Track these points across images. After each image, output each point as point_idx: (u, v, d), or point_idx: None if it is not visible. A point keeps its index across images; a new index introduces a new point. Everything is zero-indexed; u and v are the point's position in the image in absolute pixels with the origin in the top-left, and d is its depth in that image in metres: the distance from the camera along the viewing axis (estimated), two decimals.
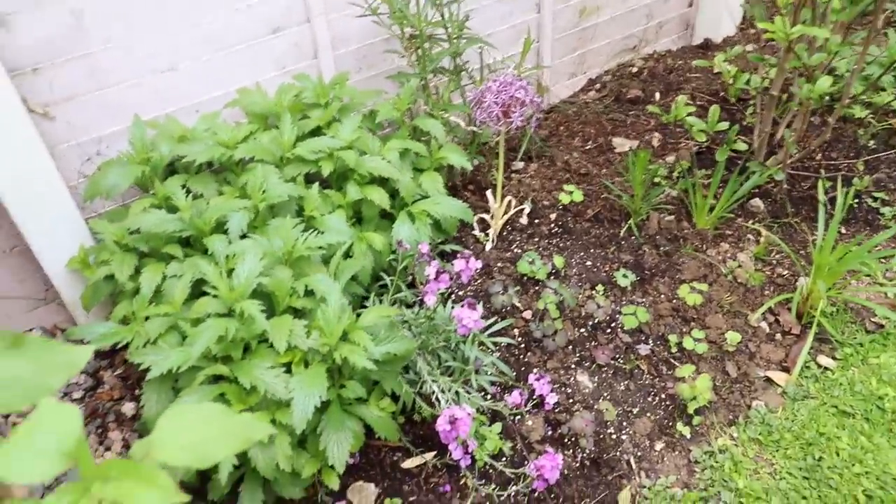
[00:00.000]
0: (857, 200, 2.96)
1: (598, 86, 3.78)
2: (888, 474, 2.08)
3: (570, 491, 2.07)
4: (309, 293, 2.04)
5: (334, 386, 1.94)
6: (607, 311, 2.47)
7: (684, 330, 2.46)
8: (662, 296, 2.56)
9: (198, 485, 2.00)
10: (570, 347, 2.40)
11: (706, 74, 3.74)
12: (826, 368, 2.40)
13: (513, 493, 2.04)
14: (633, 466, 2.14)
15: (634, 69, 3.84)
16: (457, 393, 2.11)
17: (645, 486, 2.09)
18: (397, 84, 2.81)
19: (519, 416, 2.21)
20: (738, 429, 2.23)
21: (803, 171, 3.09)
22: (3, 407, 0.70)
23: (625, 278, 2.57)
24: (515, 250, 2.70)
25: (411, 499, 2.07)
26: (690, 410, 2.23)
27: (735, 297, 2.57)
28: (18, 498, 0.81)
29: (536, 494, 2.05)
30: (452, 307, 2.22)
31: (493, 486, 2.05)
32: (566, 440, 2.17)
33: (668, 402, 2.29)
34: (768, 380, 2.36)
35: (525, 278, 2.57)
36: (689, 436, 2.21)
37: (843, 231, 2.85)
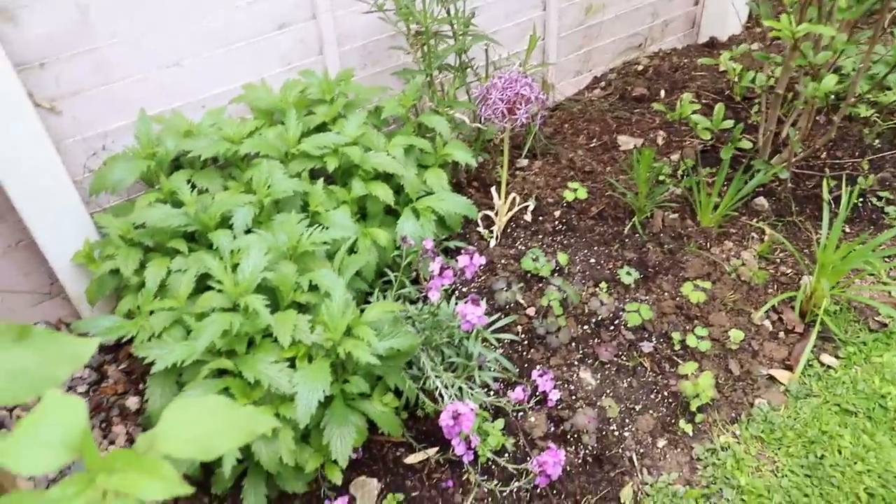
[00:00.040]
0: (861, 199, 2.96)
1: (603, 84, 3.78)
2: (890, 472, 2.08)
3: (573, 487, 2.07)
4: (313, 288, 2.05)
5: (338, 381, 1.95)
6: (611, 308, 2.47)
7: (687, 327, 2.46)
8: (666, 293, 2.56)
9: (201, 478, 2.00)
10: (574, 344, 2.40)
11: (711, 73, 3.74)
12: (829, 367, 2.40)
13: (515, 489, 2.05)
14: (636, 463, 2.14)
15: (640, 67, 3.84)
16: (460, 389, 2.12)
17: (647, 483, 2.10)
18: (402, 81, 2.81)
19: (522, 413, 2.22)
20: (741, 426, 2.23)
21: (808, 170, 3.08)
22: (9, 398, 0.71)
23: (628, 276, 2.57)
24: (519, 247, 2.71)
25: (414, 494, 2.07)
26: (693, 408, 2.23)
27: (738, 295, 2.57)
28: (23, 489, 0.82)
29: (539, 490, 2.05)
30: (456, 303, 2.23)
31: (495, 481, 2.06)
32: (569, 437, 2.18)
33: (670, 400, 2.29)
34: (771, 378, 2.36)
35: (529, 275, 2.58)
36: (691, 433, 2.21)
37: (847, 230, 2.85)
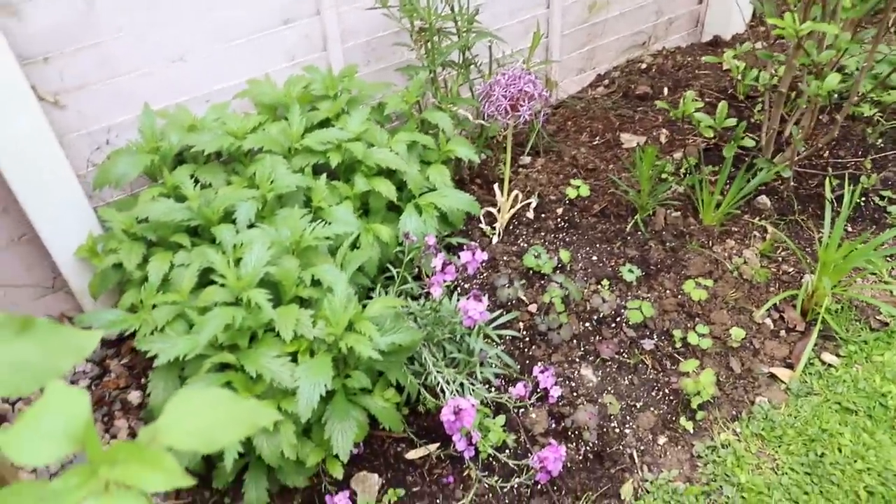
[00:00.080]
0: (863, 198, 2.96)
1: (606, 81, 3.78)
2: (889, 471, 2.08)
3: (573, 484, 2.08)
4: (316, 283, 2.05)
5: (339, 376, 1.95)
6: (612, 305, 2.47)
7: (689, 325, 2.46)
8: (668, 291, 2.56)
9: (203, 472, 2.01)
10: (575, 341, 2.41)
11: (715, 71, 3.73)
12: (830, 365, 2.41)
13: (515, 485, 2.05)
14: (636, 460, 2.15)
15: (643, 65, 3.84)
16: (461, 385, 2.13)
17: (647, 480, 2.10)
18: (406, 77, 2.81)
19: (523, 409, 2.22)
20: (741, 424, 2.24)
21: (811, 169, 3.08)
22: (12, 390, 0.71)
23: (630, 273, 2.57)
24: (522, 244, 2.71)
25: (414, 489, 2.08)
26: (694, 405, 2.23)
27: (740, 293, 2.57)
28: (25, 481, 0.82)
29: (539, 487, 2.06)
30: (458, 299, 2.23)
31: (495, 477, 2.06)
32: (569, 433, 2.18)
33: (671, 397, 2.29)
34: (772, 376, 2.37)
35: (531, 272, 2.58)
36: (692, 430, 2.22)
37: (850, 229, 2.85)
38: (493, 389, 2.23)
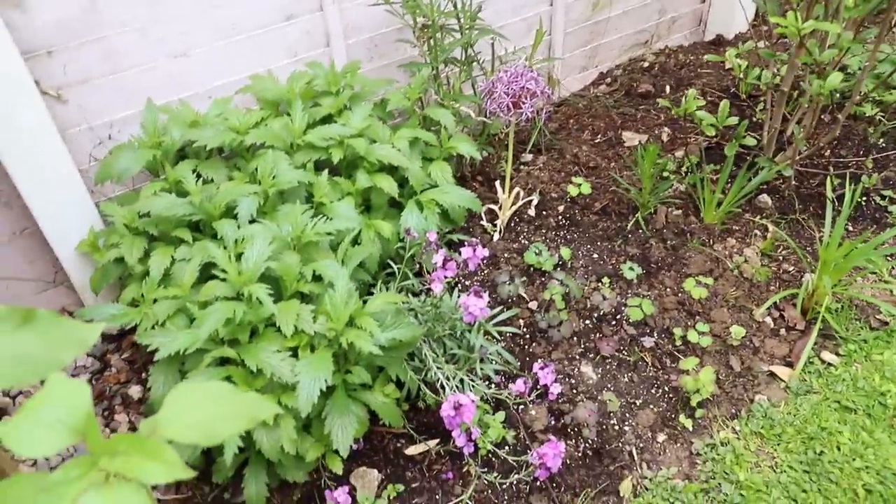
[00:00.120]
0: (864, 198, 2.96)
1: (608, 80, 3.78)
2: (888, 469, 2.09)
3: (572, 480, 2.08)
4: (317, 278, 2.06)
5: (340, 371, 1.96)
6: (613, 303, 2.47)
7: (689, 323, 2.46)
8: (668, 289, 2.56)
9: (203, 467, 2.02)
10: (575, 338, 2.41)
11: (717, 70, 3.73)
12: (829, 364, 2.41)
13: (515, 482, 2.06)
14: (635, 457, 2.15)
15: (646, 64, 3.84)
16: (461, 381, 2.13)
17: (646, 477, 2.10)
18: (408, 73, 2.81)
19: (522, 406, 2.22)
20: (741, 422, 2.24)
21: (812, 168, 3.08)
22: (14, 382, 0.71)
23: (631, 271, 2.58)
24: (523, 241, 2.71)
25: (414, 485, 2.08)
26: (693, 403, 2.24)
27: (740, 291, 2.57)
28: (26, 472, 0.82)
29: (538, 483, 2.06)
30: (459, 296, 2.23)
31: (495, 473, 2.07)
32: (569, 430, 2.19)
33: (671, 395, 2.30)
34: (771, 374, 2.37)
35: (532, 269, 2.58)
36: (691, 428, 2.22)
37: (850, 228, 2.85)
38: (492, 386, 2.23)
